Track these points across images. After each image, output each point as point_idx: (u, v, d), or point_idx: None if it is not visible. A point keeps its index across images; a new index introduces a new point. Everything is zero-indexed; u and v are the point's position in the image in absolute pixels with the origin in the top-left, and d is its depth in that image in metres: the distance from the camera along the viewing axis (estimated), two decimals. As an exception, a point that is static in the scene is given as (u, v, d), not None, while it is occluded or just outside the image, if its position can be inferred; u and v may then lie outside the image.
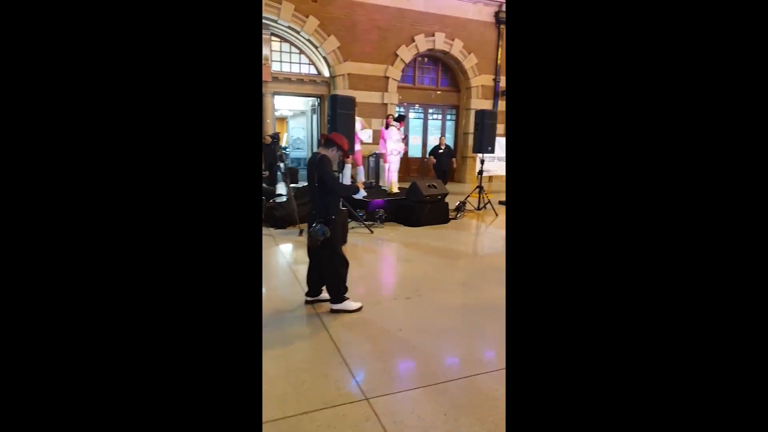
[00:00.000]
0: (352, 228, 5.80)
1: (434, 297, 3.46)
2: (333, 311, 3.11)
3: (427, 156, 9.54)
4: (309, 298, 3.28)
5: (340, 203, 5.60)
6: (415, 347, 2.61)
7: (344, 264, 3.13)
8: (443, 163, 9.03)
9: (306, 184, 2.93)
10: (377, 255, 4.81)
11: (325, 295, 3.23)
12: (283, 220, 5.77)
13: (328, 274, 3.10)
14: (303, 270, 3.44)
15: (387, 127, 7.14)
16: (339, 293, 3.11)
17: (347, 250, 4.87)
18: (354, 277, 3.82)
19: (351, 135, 5.52)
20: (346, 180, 7.26)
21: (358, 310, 3.14)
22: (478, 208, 7.50)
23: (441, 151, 9.05)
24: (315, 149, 5.40)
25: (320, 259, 3.10)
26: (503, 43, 11.20)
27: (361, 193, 3.19)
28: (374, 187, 7.56)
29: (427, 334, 2.79)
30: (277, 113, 13.57)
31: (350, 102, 5.50)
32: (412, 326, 2.92)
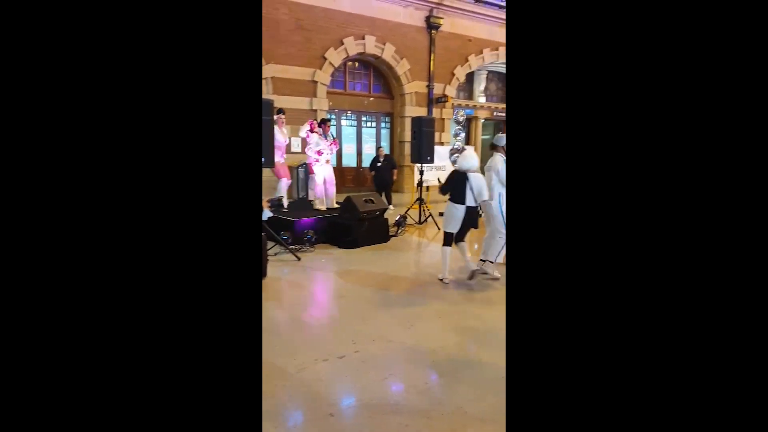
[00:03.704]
0: (275, 255, 4.86)
1: (377, 350, 2.69)
2: None
3: (369, 169, 8.73)
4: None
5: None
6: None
7: None
8: (384, 177, 8.28)
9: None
10: (303, 291, 3.94)
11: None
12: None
13: None
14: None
15: (312, 131, 6.21)
16: None
17: (266, 286, 3.96)
18: (273, 327, 2.93)
19: (270, 144, 4.62)
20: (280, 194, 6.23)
21: None
22: (420, 222, 6.92)
23: (380, 164, 8.28)
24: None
25: None
26: (435, 48, 10.90)
27: (266, 214, 2.38)
28: (292, 204, 6.58)
29: (375, 422, 2.00)
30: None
31: (268, 106, 4.60)
32: (353, 405, 2.12)
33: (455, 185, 3.86)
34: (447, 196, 3.99)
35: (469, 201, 3.83)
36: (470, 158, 3.91)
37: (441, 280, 4.07)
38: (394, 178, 8.46)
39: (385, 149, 11.18)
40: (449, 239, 4.00)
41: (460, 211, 3.85)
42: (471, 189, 3.79)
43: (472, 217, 3.90)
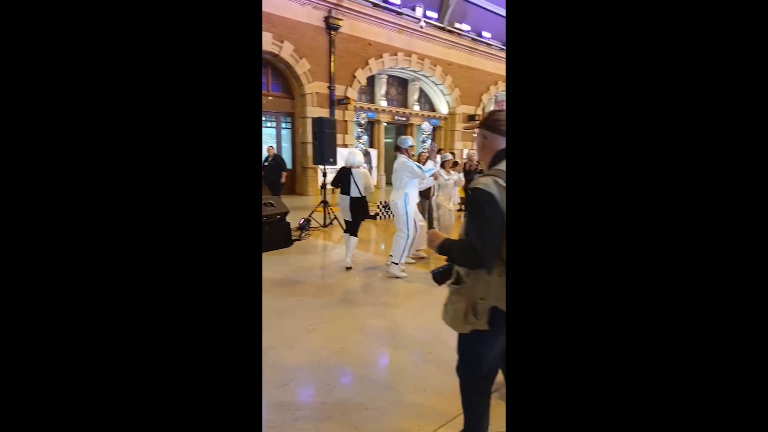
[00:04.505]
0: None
1: (277, 357, 2.60)
2: None
3: None
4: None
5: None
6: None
7: None
8: (270, 177, 8.03)
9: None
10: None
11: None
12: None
13: None
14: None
15: None
16: None
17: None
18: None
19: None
20: None
21: None
22: (324, 225, 6.87)
23: (266, 163, 8.01)
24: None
25: None
26: (336, 50, 10.93)
27: None
28: None
29: (273, 430, 1.93)
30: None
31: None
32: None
33: (342, 179, 4.52)
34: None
35: (353, 192, 4.47)
36: (355, 155, 4.60)
37: (347, 268, 4.54)
38: (282, 180, 8.21)
39: (286, 150, 10.91)
40: (349, 227, 4.62)
41: (345, 200, 4.51)
42: (355, 182, 4.46)
43: (360, 207, 4.53)
